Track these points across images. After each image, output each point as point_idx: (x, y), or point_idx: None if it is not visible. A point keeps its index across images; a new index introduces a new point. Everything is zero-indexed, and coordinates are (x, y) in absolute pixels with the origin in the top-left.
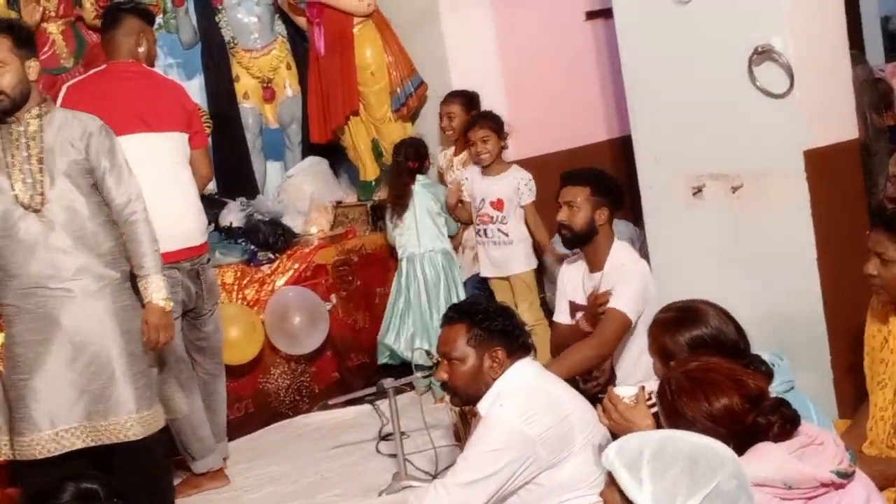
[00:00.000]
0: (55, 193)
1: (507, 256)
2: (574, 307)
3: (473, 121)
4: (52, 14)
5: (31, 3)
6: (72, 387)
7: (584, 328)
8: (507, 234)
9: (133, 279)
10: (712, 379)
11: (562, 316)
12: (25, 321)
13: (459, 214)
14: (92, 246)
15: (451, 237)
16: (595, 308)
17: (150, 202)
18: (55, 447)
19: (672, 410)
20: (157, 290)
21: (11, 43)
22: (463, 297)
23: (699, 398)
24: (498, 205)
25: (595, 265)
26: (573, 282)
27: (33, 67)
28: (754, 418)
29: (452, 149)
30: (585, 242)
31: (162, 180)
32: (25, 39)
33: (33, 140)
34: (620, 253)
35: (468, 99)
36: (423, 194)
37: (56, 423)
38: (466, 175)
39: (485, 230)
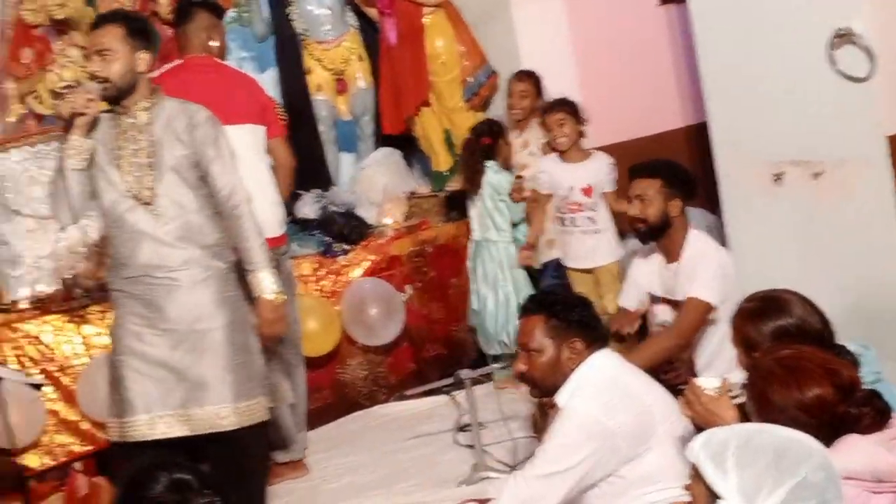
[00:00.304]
0: (163, 187)
1: (594, 246)
2: (653, 299)
3: (550, 105)
4: (130, 8)
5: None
6: (170, 373)
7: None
8: (595, 223)
9: (239, 269)
10: (805, 367)
11: (629, 302)
12: (131, 306)
13: (531, 211)
14: (198, 238)
15: (515, 224)
16: None
17: None
18: (149, 432)
19: (761, 398)
20: (267, 285)
21: (124, 32)
22: (521, 287)
23: (791, 386)
24: (588, 191)
25: (671, 256)
26: (649, 274)
27: (144, 59)
28: (846, 409)
29: (517, 132)
30: (660, 235)
31: (243, 171)
32: (139, 31)
33: (142, 132)
34: (697, 242)
35: (538, 80)
36: (490, 180)
37: (152, 409)
38: (543, 168)
39: (572, 219)
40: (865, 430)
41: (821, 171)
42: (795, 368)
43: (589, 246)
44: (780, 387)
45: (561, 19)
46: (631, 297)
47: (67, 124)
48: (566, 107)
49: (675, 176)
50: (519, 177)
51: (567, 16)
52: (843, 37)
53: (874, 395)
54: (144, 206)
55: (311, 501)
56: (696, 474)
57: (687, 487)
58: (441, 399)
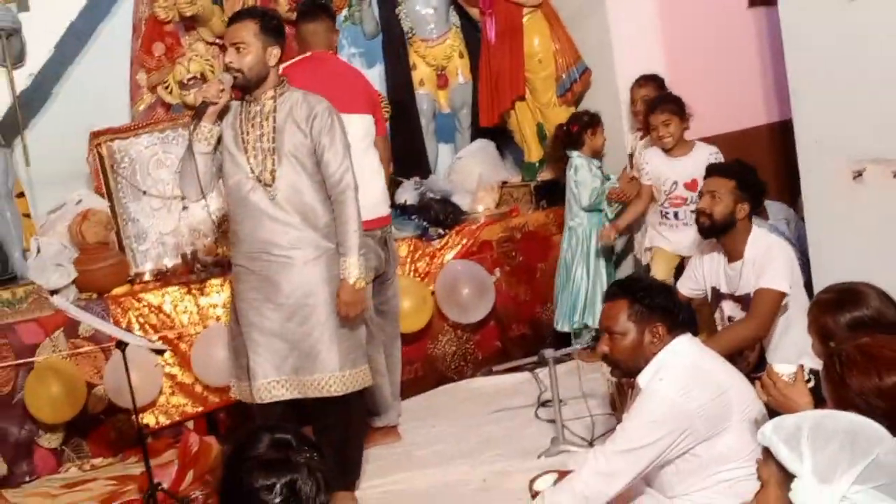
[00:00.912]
0: (282, 171)
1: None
2: (718, 295)
3: (654, 104)
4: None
5: None
6: (284, 343)
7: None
8: None
9: None
10: (885, 355)
11: (685, 290)
12: (250, 281)
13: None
14: (311, 220)
15: (589, 210)
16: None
17: None
18: (267, 395)
19: (839, 382)
20: (352, 270)
21: (258, 28)
22: (599, 271)
23: (871, 372)
24: (692, 185)
25: (733, 256)
26: (713, 272)
27: (274, 54)
28: None
29: (640, 133)
30: (723, 233)
31: (356, 156)
32: (272, 27)
33: (266, 120)
34: (759, 240)
35: (661, 84)
36: (571, 168)
37: (268, 375)
38: (646, 159)
39: (675, 213)
40: None
41: None
42: (876, 356)
43: (692, 240)
44: (859, 373)
45: (653, 19)
46: (687, 287)
47: (198, 111)
48: (671, 105)
49: (748, 181)
50: (633, 178)
51: (659, 15)
52: None
53: None
54: (265, 187)
55: (402, 466)
56: (768, 457)
57: (758, 470)
58: (524, 376)
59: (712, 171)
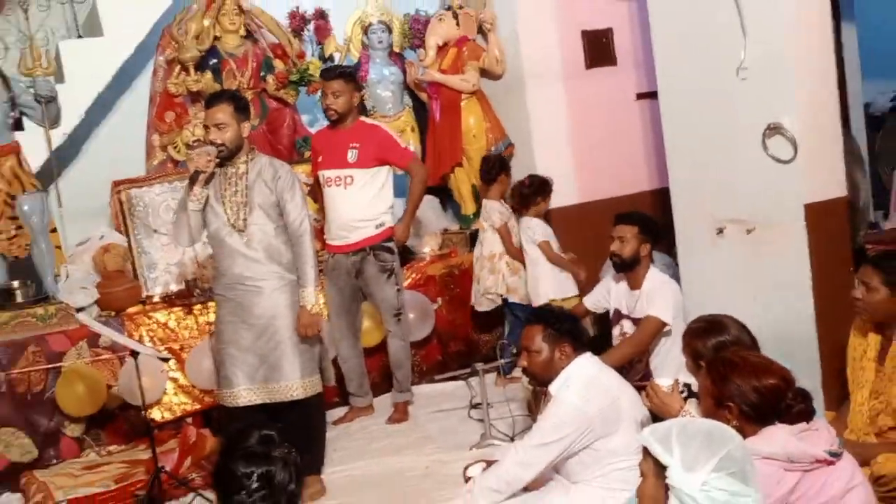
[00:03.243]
0: (252, 219)
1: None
2: (618, 314)
3: (617, 218)
4: (245, 86)
5: (231, 78)
6: (255, 357)
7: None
8: None
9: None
10: (767, 364)
11: (590, 303)
12: (228, 306)
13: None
14: (276, 257)
15: None
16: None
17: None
18: (242, 400)
19: (722, 379)
20: (309, 298)
21: (233, 109)
22: None
23: (751, 375)
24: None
25: (634, 285)
26: (619, 296)
27: (246, 127)
28: (787, 400)
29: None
30: (630, 269)
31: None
32: (243, 107)
33: (241, 179)
34: (655, 277)
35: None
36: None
37: (242, 383)
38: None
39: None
40: (794, 419)
41: (752, 227)
42: (758, 364)
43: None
44: (741, 374)
45: (562, 106)
46: (592, 302)
47: (191, 178)
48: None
49: (649, 226)
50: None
51: (567, 104)
52: (774, 129)
53: (807, 395)
54: (239, 232)
55: (361, 456)
56: (647, 454)
57: (640, 465)
58: (459, 384)
59: (620, 219)
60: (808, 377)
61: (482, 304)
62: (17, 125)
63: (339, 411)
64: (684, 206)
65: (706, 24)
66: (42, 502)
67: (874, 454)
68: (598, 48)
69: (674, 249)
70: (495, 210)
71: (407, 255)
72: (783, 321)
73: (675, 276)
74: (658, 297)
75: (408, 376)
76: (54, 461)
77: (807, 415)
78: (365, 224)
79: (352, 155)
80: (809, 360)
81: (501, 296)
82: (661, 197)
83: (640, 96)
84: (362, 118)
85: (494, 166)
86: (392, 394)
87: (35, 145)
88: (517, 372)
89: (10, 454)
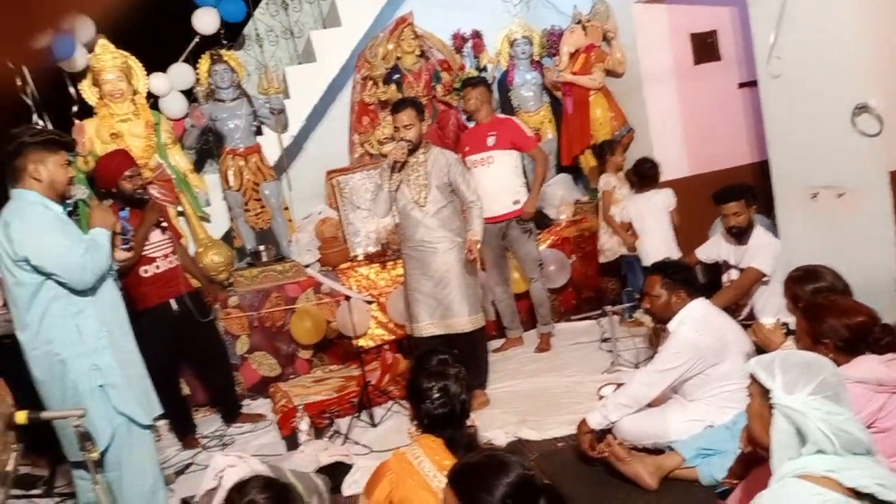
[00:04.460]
0: (430, 197)
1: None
2: (727, 265)
3: (721, 195)
4: (420, 94)
5: (409, 88)
6: (433, 299)
7: None
8: None
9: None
10: (855, 306)
11: (702, 255)
12: (413, 262)
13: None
14: (448, 225)
15: None
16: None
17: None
18: (426, 332)
19: (817, 320)
20: (476, 235)
21: (415, 112)
22: None
23: (842, 314)
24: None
25: (741, 242)
26: (728, 250)
27: (424, 126)
28: (874, 334)
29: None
30: (744, 235)
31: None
32: (421, 110)
33: (421, 167)
34: (760, 234)
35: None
36: None
37: (425, 319)
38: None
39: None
40: (881, 350)
41: (843, 192)
42: (845, 305)
43: None
44: (834, 314)
45: (673, 96)
46: (704, 254)
47: (391, 166)
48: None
49: (748, 193)
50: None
51: (677, 94)
52: (862, 108)
53: (890, 329)
54: (420, 207)
55: (515, 376)
56: (753, 380)
57: (748, 388)
58: (591, 322)
59: (726, 198)
60: (890, 317)
61: (604, 257)
62: (258, 131)
63: (496, 343)
64: (782, 175)
65: (799, 21)
66: (285, 406)
67: None
68: (705, 47)
69: (772, 212)
70: (602, 180)
71: (547, 221)
72: (869, 271)
73: (774, 234)
74: (760, 252)
75: (549, 312)
76: (292, 376)
77: (892, 346)
78: (505, 195)
79: (490, 140)
80: (892, 304)
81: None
82: (760, 168)
83: (741, 85)
84: (497, 113)
85: (602, 150)
86: (537, 327)
87: (271, 146)
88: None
89: (262, 370)
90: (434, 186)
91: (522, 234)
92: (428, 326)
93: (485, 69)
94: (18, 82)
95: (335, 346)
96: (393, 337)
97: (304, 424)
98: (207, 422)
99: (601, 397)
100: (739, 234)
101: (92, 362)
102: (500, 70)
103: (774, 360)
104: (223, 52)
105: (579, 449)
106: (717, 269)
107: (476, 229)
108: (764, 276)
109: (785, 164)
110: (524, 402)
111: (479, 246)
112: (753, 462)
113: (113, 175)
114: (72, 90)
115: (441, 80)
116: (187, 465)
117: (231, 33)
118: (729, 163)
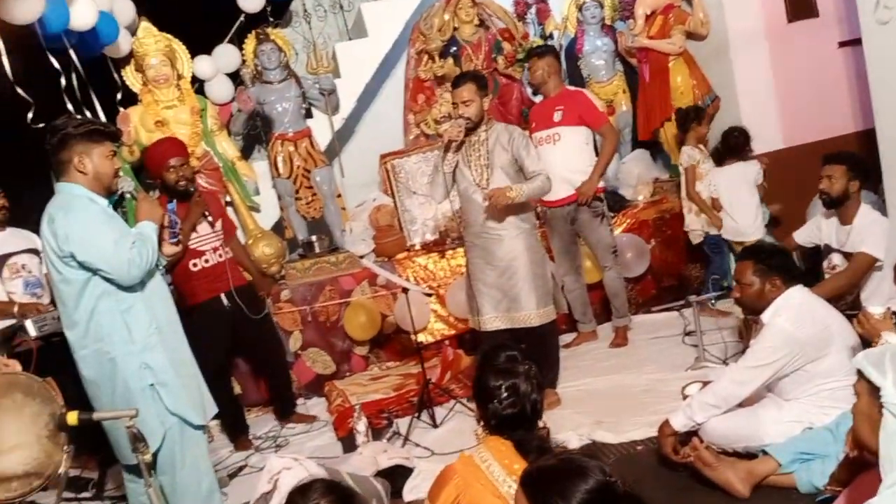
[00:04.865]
0: (494, 179)
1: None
2: (828, 248)
3: (828, 158)
4: (480, 67)
5: (468, 62)
6: (498, 291)
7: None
8: None
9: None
10: None
11: (800, 239)
12: (476, 251)
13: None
14: (514, 210)
15: None
16: None
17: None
18: (490, 326)
19: None
20: (518, 191)
21: (476, 87)
22: None
23: None
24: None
25: (845, 221)
26: (829, 231)
27: (486, 102)
28: None
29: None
30: (840, 205)
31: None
32: (484, 84)
33: (482, 146)
34: (867, 213)
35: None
36: None
37: (489, 312)
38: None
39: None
40: None
41: None
42: None
43: None
44: None
45: (765, 59)
46: (803, 237)
47: (445, 147)
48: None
49: (858, 164)
50: None
51: (769, 56)
52: None
53: None
54: (483, 190)
55: (589, 373)
56: (861, 376)
57: (855, 385)
58: (672, 314)
59: (829, 159)
60: None
61: (693, 237)
62: (308, 114)
63: (568, 337)
64: (891, 145)
65: None
66: (341, 405)
67: None
68: (800, 2)
69: (880, 186)
70: (685, 154)
71: (623, 203)
72: None
73: (882, 212)
74: (870, 233)
75: (624, 303)
76: (347, 373)
77: None
78: (574, 175)
79: (557, 115)
80: None
81: (700, 231)
82: (865, 137)
83: (842, 44)
84: (566, 85)
85: (687, 116)
86: (612, 320)
87: (321, 130)
88: (720, 305)
89: (316, 368)
90: (497, 167)
91: (594, 219)
92: (492, 320)
93: (551, 37)
94: None
95: (392, 342)
96: (453, 332)
97: (361, 425)
98: (260, 422)
99: (685, 396)
100: (829, 203)
101: (142, 360)
102: (568, 37)
103: (885, 354)
104: (269, 30)
105: (661, 453)
106: (817, 253)
107: (522, 186)
108: (877, 261)
109: (894, 132)
110: (599, 402)
111: (509, 196)
112: (859, 467)
113: (157, 166)
114: (116, 77)
115: (502, 51)
116: (241, 468)
117: (277, 10)
118: (829, 132)
